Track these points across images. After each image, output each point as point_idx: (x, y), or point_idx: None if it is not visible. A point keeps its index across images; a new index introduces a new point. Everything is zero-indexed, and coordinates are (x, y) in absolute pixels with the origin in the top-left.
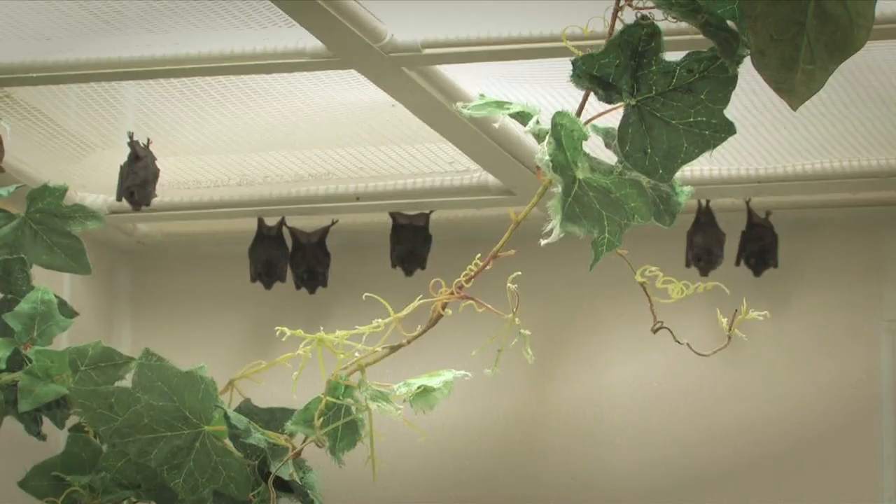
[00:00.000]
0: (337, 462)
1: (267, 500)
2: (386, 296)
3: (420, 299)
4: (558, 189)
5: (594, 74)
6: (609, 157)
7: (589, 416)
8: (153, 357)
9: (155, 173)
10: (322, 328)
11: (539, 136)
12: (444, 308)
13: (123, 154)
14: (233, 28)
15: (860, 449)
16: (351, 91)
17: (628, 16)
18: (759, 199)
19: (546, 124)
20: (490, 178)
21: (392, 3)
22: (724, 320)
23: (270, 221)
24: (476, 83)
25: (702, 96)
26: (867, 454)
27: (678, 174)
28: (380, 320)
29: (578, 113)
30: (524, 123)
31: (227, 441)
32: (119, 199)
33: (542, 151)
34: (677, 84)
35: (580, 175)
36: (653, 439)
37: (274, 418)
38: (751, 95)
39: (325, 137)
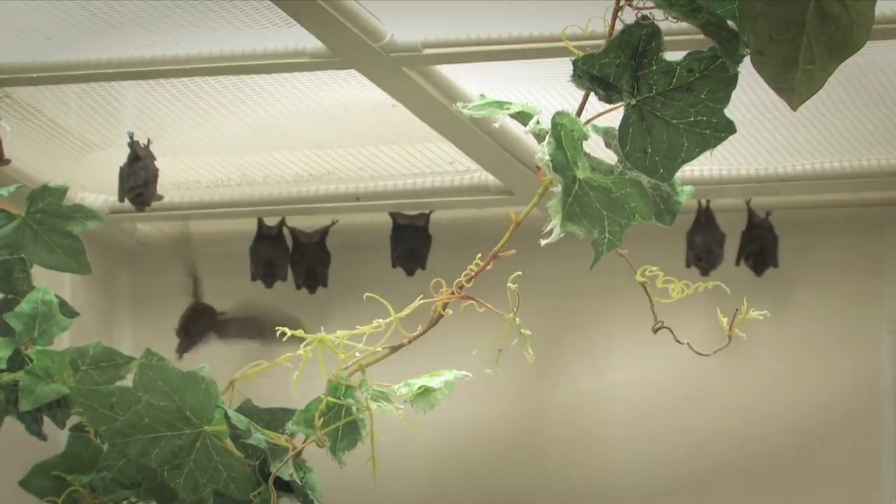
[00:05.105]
0: (338, 462)
1: (268, 501)
2: (386, 296)
3: (421, 299)
4: (558, 189)
5: (594, 74)
6: (609, 157)
7: (589, 415)
8: (154, 357)
9: (155, 173)
10: (322, 328)
11: (539, 136)
12: (444, 308)
13: (123, 154)
14: (233, 28)
15: (860, 449)
16: (351, 91)
17: (628, 16)
18: (759, 199)
19: (546, 124)
20: (490, 178)
21: (392, 3)
22: (725, 320)
23: (270, 221)
24: (476, 83)
25: (702, 96)
26: (867, 454)
27: (678, 174)
28: (380, 320)
29: (579, 113)
30: (524, 123)
31: (228, 441)
32: (122, 200)
33: (542, 151)
34: (678, 84)
35: (580, 175)
36: (653, 439)
37: (275, 418)
38: (751, 95)
39: (325, 137)
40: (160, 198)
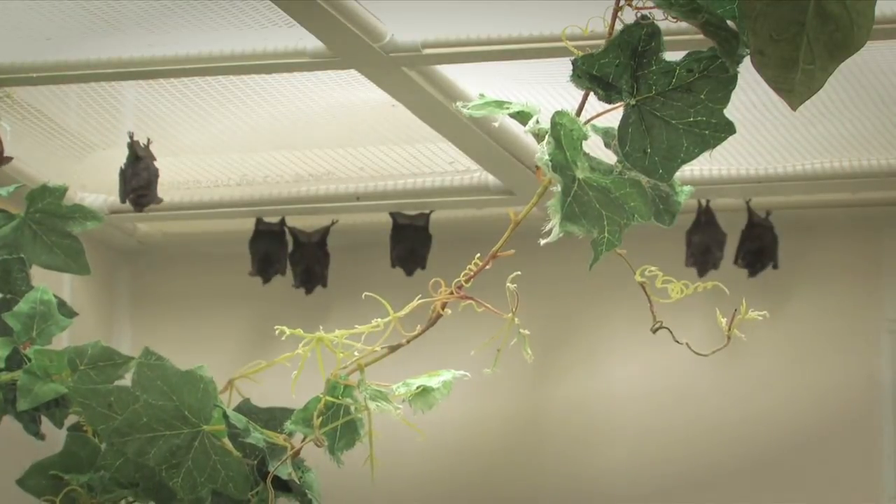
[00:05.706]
0: (336, 462)
1: (266, 500)
2: (385, 295)
3: (419, 299)
4: (558, 189)
5: (594, 74)
6: (609, 157)
7: (588, 415)
8: (153, 356)
9: (156, 174)
10: (321, 328)
11: (539, 136)
12: (443, 308)
13: (123, 154)
14: (233, 28)
15: (860, 449)
16: (351, 91)
17: (628, 16)
18: (759, 199)
19: (546, 124)
20: (490, 178)
21: (392, 3)
22: (724, 320)
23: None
24: (476, 83)
25: (702, 96)
26: (867, 454)
27: (678, 174)
28: (379, 320)
29: (578, 113)
30: (524, 123)
31: (226, 440)
32: (124, 200)
33: (541, 151)
34: (677, 84)
35: (580, 175)
36: (652, 439)
37: (273, 418)
38: (751, 95)
39: (325, 137)
40: (160, 201)
